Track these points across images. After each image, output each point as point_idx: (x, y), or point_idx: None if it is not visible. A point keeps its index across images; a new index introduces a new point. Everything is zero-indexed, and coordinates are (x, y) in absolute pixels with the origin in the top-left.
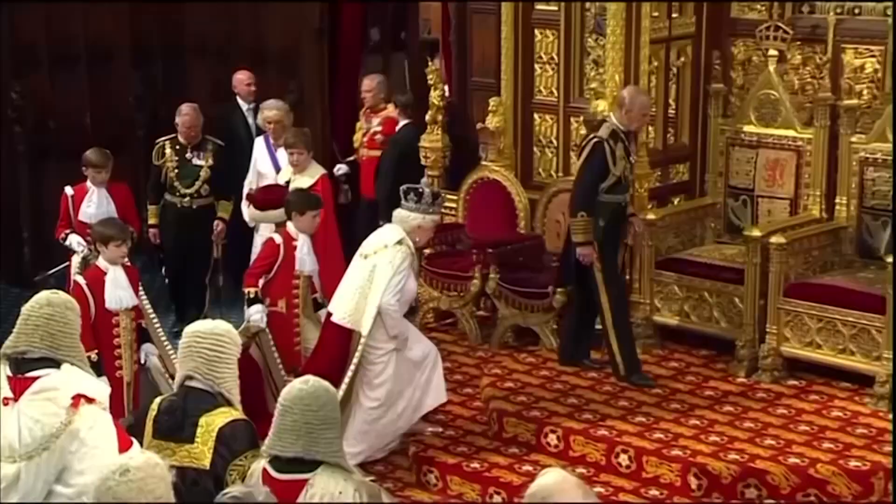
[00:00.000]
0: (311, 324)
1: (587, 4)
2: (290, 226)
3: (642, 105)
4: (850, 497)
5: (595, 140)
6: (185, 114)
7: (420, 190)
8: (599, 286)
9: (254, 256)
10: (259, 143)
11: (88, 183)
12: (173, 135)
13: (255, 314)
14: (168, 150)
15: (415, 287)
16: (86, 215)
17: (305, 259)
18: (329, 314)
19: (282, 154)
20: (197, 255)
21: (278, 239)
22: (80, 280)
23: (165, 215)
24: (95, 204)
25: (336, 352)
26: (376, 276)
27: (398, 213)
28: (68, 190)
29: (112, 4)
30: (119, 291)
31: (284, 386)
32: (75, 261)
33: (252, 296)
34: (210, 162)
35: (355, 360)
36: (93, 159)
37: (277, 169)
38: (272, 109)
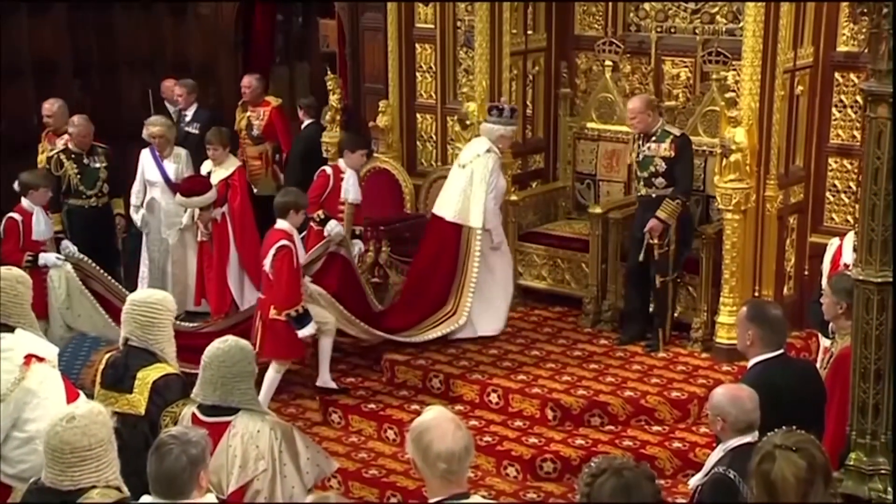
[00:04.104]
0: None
1: (458, 23)
2: (340, 161)
3: (628, 108)
4: (671, 420)
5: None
6: (79, 124)
7: (500, 107)
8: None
9: (143, 256)
10: (146, 153)
11: (29, 203)
12: (63, 146)
13: (335, 227)
14: (65, 160)
15: (504, 184)
16: (39, 234)
17: (350, 189)
18: (437, 217)
19: (168, 164)
20: (106, 248)
21: (329, 171)
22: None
23: (72, 218)
24: (43, 221)
25: (454, 245)
26: (475, 180)
27: (484, 127)
28: (16, 215)
29: (54, 24)
30: None
31: (365, 280)
32: (54, 273)
33: (322, 216)
34: (105, 163)
35: (477, 249)
36: (39, 181)
37: (165, 177)
38: (156, 125)
